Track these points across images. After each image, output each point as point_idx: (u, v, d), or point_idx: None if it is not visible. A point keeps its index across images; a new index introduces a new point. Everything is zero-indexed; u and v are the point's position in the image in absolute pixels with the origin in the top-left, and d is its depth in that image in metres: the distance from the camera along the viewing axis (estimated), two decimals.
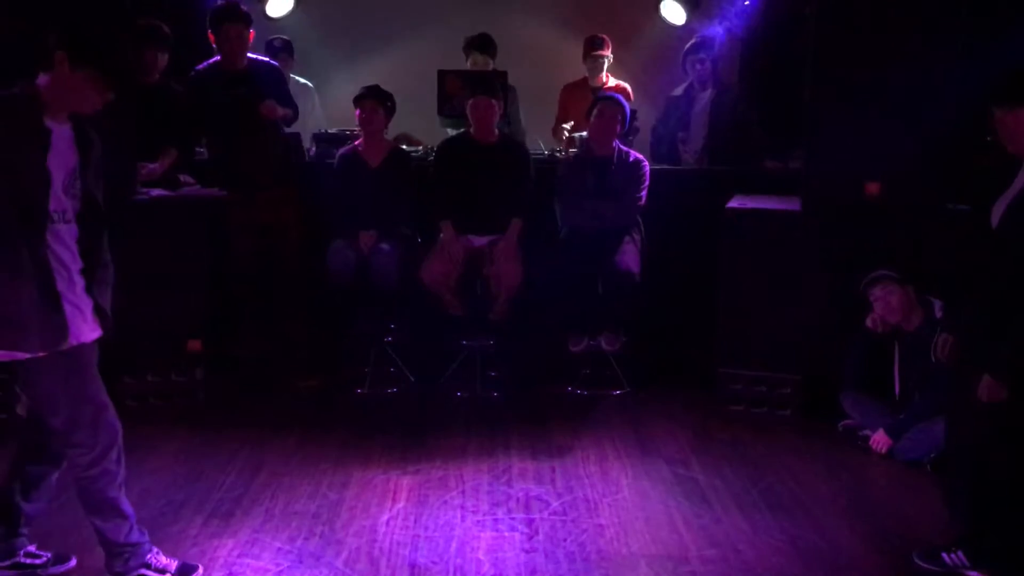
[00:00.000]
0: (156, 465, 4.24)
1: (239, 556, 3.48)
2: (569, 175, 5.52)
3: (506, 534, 3.69)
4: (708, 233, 5.16)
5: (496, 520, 3.81)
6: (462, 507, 3.92)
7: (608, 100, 5.49)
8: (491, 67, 6.34)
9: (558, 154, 6.05)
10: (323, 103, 6.93)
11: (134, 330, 4.49)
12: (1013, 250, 3.17)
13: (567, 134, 6.04)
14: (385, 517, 3.82)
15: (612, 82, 6.44)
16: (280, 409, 5.09)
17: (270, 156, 5.37)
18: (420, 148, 6.12)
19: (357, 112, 5.47)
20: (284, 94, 5.38)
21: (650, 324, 5.59)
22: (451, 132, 6.09)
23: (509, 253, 5.39)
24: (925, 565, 3.44)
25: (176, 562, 3.27)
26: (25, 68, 4.42)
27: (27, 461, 3.17)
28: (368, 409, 5.18)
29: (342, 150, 5.63)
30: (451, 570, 3.42)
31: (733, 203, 5.18)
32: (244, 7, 5.30)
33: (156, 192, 5.00)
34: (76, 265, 3.00)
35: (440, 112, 6.16)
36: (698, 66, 6.33)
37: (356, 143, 5.60)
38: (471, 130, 5.56)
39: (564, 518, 3.84)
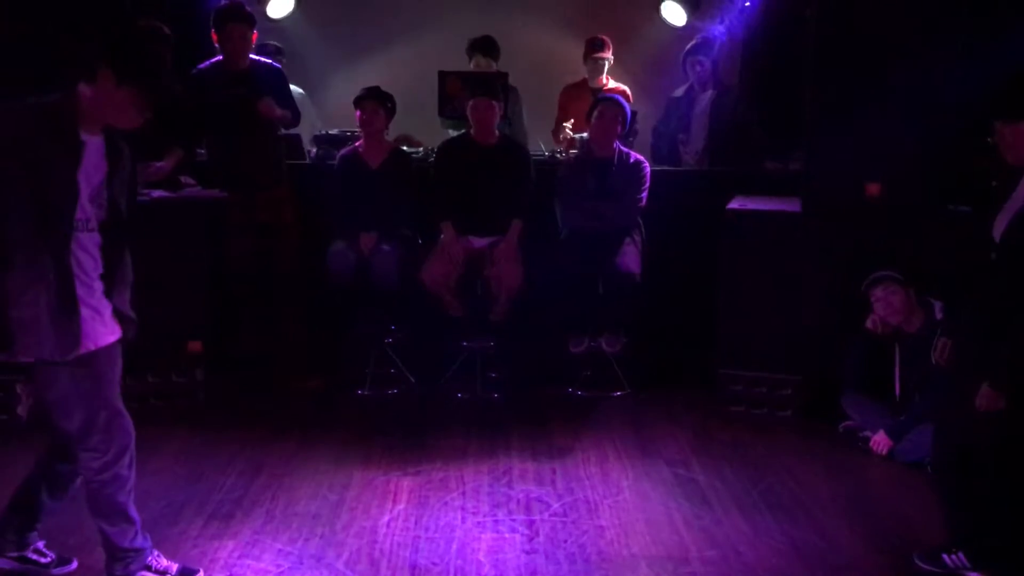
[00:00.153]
0: (156, 466, 4.23)
1: (239, 557, 3.48)
2: (569, 176, 5.52)
3: (507, 535, 3.69)
4: (708, 234, 5.17)
5: (497, 521, 3.81)
6: (463, 508, 3.92)
7: (608, 101, 5.49)
8: (494, 69, 6.34)
9: (559, 155, 6.05)
10: (323, 104, 6.93)
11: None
12: (1016, 264, 3.16)
13: (569, 134, 6.04)
14: (386, 518, 3.82)
15: (612, 84, 6.44)
16: (280, 410, 5.09)
17: (269, 156, 5.37)
18: (420, 149, 6.12)
19: (358, 113, 5.47)
20: (285, 96, 5.38)
21: (650, 325, 5.59)
22: (452, 133, 6.09)
23: (509, 254, 5.39)
24: (925, 566, 3.44)
25: (176, 565, 3.27)
26: (32, 70, 4.46)
27: (56, 460, 3.16)
28: (368, 410, 5.18)
29: (342, 151, 5.63)
30: (451, 571, 3.42)
31: (733, 204, 5.19)
32: (248, 8, 5.31)
33: (157, 193, 5.01)
34: (96, 270, 3.00)
35: (441, 113, 6.15)
36: (698, 67, 6.33)
37: (356, 144, 5.60)
38: (471, 131, 5.57)
39: (565, 519, 3.84)
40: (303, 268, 5.47)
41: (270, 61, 5.51)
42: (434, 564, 3.46)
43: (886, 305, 4.61)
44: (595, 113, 5.44)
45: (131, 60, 2.88)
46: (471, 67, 6.39)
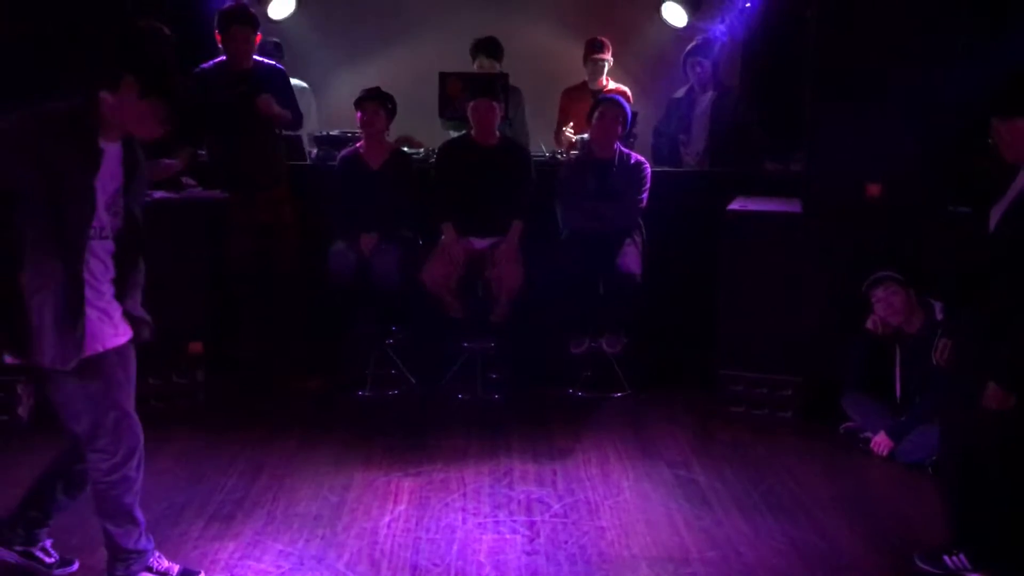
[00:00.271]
0: (157, 467, 4.22)
1: (240, 558, 3.48)
2: (570, 177, 5.52)
3: (507, 536, 3.69)
4: (709, 235, 5.17)
5: (497, 522, 3.81)
6: (463, 509, 3.92)
7: (609, 102, 5.49)
8: (498, 70, 6.35)
9: (559, 156, 6.05)
10: (324, 105, 6.93)
11: None
12: (1009, 256, 3.16)
13: (570, 138, 6.04)
14: (386, 519, 3.82)
15: (612, 86, 6.44)
16: (281, 411, 5.09)
17: (270, 156, 5.38)
18: (421, 150, 6.12)
19: (358, 114, 5.48)
20: (287, 98, 5.38)
21: (651, 326, 5.59)
22: (453, 134, 6.09)
23: (510, 255, 5.39)
24: (926, 567, 3.44)
25: (177, 566, 3.27)
26: (33, 71, 4.45)
27: (73, 460, 3.16)
28: (369, 411, 5.18)
29: (343, 152, 5.64)
30: (452, 572, 3.42)
31: (734, 205, 5.19)
32: (252, 10, 5.32)
33: (158, 194, 5.01)
34: (107, 275, 3.00)
35: (441, 114, 6.16)
36: (698, 68, 6.33)
37: (357, 145, 5.61)
38: (472, 132, 5.57)
39: (565, 520, 3.84)
40: (303, 269, 5.48)
41: (273, 63, 5.52)
42: (435, 565, 3.46)
43: (887, 305, 4.61)
44: (596, 114, 5.44)
45: (156, 72, 2.89)
46: (475, 68, 6.40)
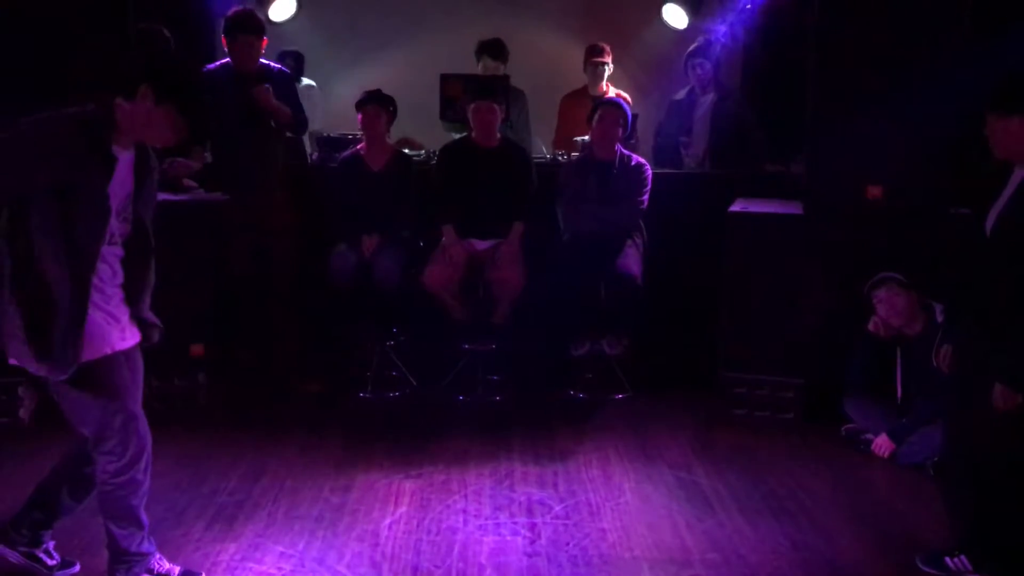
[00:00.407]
0: (158, 469, 4.17)
1: (242, 560, 3.48)
2: (571, 179, 5.52)
3: (508, 538, 3.69)
4: (710, 237, 5.17)
5: (499, 524, 3.81)
6: (464, 511, 3.92)
7: (609, 104, 5.50)
8: (502, 72, 6.36)
9: (560, 158, 6.05)
10: (325, 107, 6.93)
11: None
12: (1007, 258, 3.16)
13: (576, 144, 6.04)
14: (387, 521, 3.82)
15: (612, 92, 6.42)
16: (282, 413, 5.09)
17: (272, 159, 5.37)
18: (422, 152, 6.12)
19: (359, 116, 5.48)
20: (292, 101, 5.38)
21: (652, 328, 5.59)
22: (455, 136, 6.09)
23: (511, 257, 5.39)
24: (928, 569, 3.43)
25: (179, 568, 3.27)
26: (34, 74, 4.45)
27: (81, 463, 3.15)
28: (370, 413, 5.18)
29: (344, 154, 5.64)
30: (453, 574, 3.41)
31: (735, 207, 5.18)
32: (258, 14, 5.33)
33: (160, 196, 5.00)
34: (115, 280, 3.01)
35: (442, 116, 6.16)
36: (699, 70, 6.33)
37: (358, 147, 5.61)
38: (473, 134, 5.57)
39: (567, 522, 3.83)
40: (304, 271, 5.48)
41: (280, 66, 5.51)
42: (436, 567, 3.46)
43: (889, 307, 4.61)
44: (596, 116, 5.44)
45: (173, 80, 2.89)
46: (479, 69, 6.40)
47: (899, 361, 4.69)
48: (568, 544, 3.64)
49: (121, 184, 2.94)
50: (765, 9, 6.47)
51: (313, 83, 6.67)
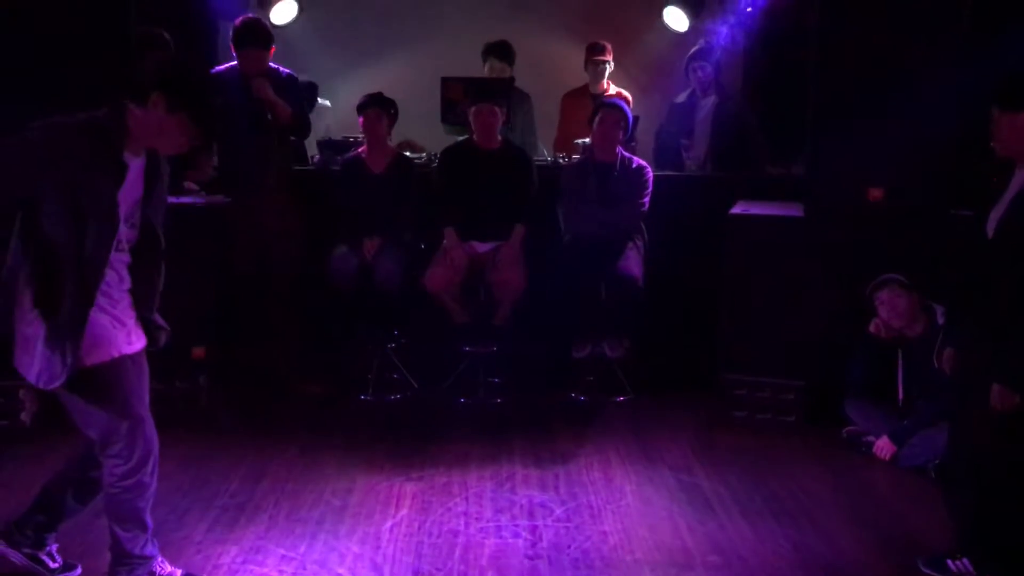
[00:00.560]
0: (160, 472, 4.14)
1: (243, 563, 3.48)
2: (572, 181, 5.52)
3: (510, 541, 3.69)
4: (711, 239, 5.16)
5: (500, 527, 3.81)
6: (465, 514, 3.92)
7: (610, 106, 5.50)
8: (509, 74, 6.36)
9: (561, 160, 6.06)
10: (326, 109, 6.92)
11: None
12: (1010, 260, 3.16)
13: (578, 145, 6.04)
14: (388, 524, 3.82)
15: (613, 90, 6.44)
16: (283, 415, 5.09)
17: (276, 162, 5.38)
18: (423, 154, 6.13)
19: (360, 119, 5.49)
20: (297, 103, 5.39)
21: (653, 330, 5.59)
22: (459, 138, 6.09)
23: (512, 259, 5.40)
24: (929, 571, 3.43)
25: (180, 571, 3.27)
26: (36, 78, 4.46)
27: (88, 467, 3.15)
28: (371, 415, 5.18)
29: (345, 156, 5.65)
30: None
31: (736, 209, 5.18)
32: (255, 15, 5.36)
33: None
34: (122, 285, 3.01)
35: (443, 119, 6.17)
36: (700, 73, 6.33)
37: (360, 150, 5.62)
38: (474, 137, 5.57)
39: (568, 525, 3.83)
40: (305, 273, 5.48)
41: (289, 71, 5.50)
42: (437, 570, 3.46)
43: (891, 308, 4.61)
44: (597, 118, 5.44)
45: (184, 88, 2.89)
46: (485, 71, 6.40)
47: (900, 363, 4.69)
48: (569, 547, 3.64)
49: (131, 190, 2.94)
50: (766, 12, 6.47)
51: (328, 103, 6.70)
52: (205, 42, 6.11)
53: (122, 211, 2.91)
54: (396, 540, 3.68)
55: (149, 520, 3.14)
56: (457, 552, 3.59)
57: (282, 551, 3.57)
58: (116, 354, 2.98)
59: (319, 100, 6.61)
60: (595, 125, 5.45)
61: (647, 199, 5.43)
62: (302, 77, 5.82)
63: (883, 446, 4.54)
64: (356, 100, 5.57)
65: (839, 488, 4.24)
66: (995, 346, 3.21)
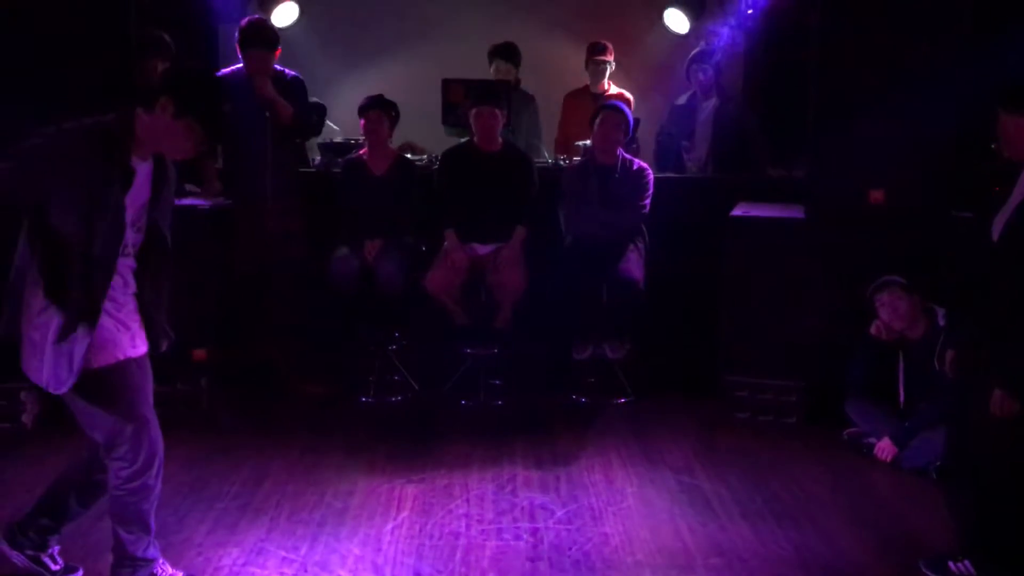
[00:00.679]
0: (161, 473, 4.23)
1: (244, 565, 3.48)
2: (573, 183, 5.52)
3: (511, 543, 3.69)
4: (712, 241, 5.17)
5: (501, 529, 3.81)
6: (467, 516, 3.92)
7: (611, 108, 5.50)
8: (515, 75, 6.36)
9: (562, 162, 6.06)
10: (327, 111, 6.93)
11: None
12: (1014, 264, 3.15)
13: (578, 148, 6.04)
14: (390, 526, 3.82)
15: (614, 90, 6.45)
16: (285, 418, 5.09)
17: (281, 164, 5.37)
18: (424, 157, 6.13)
19: (362, 122, 5.49)
20: (302, 104, 5.39)
21: (654, 332, 5.58)
22: (460, 140, 6.09)
23: (513, 261, 5.40)
24: (931, 573, 3.42)
25: (181, 573, 3.27)
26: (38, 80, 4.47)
27: (93, 470, 3.15)
28: (372, 417, 5.18)
29: (347, 158, 5.65)
30: None
31: (737, 211, 5.19)
32: (259, 17, 5.36)
33: None
34: (129, 290, 3.01)
35: (444, 121, 6.17)
36: (701, 75, 6.33)
37: (361, 152, 5.62)
38: (475, 139, 5.57)
39: (569, 527, 3.83)
40: (307, 275, 5.48)
41: (295, 73, 5.50)
42: (438, 572, 3.46)
43: (892, 310, 4.61)
44: (597, 120, 5.44)
45: (193, 94, 2.89)
46: (491, 72, 6.40)
47: (901, 365, 4.69)
48: (571, 549, 3.64)
49: (137, 194, 2.95)
50: (766, 13, 6.47)
51: (337, 129, 6.70)
52: (205, 44, 6.12)
53: (128, 215, 2.92)
54: (397, 542, 3.68)
55: (152, 522, 3.14)
56: (458, 554, 3.59)
57: (283, 553, 3.57)
58: (121, 357, 2.98)
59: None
60: (596, 127, 5.45)
61: (648, 201, 5.43)
62: (312, 99, 5.83)
63: (884, 448, 4.53)
64: (357, 102, 5.57)
65: (840, 490, 4.24)
66: (996, 349, 3.21)
